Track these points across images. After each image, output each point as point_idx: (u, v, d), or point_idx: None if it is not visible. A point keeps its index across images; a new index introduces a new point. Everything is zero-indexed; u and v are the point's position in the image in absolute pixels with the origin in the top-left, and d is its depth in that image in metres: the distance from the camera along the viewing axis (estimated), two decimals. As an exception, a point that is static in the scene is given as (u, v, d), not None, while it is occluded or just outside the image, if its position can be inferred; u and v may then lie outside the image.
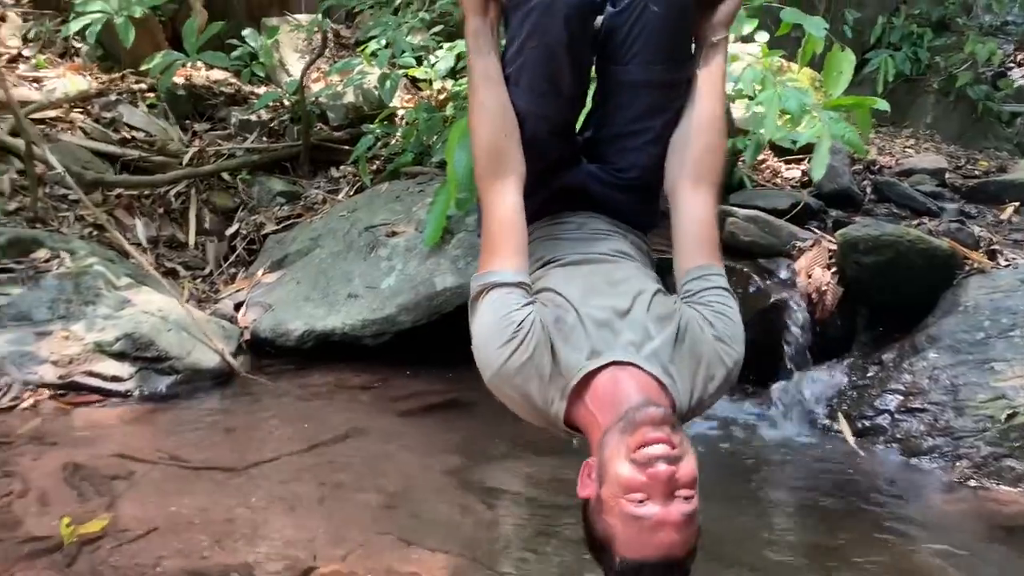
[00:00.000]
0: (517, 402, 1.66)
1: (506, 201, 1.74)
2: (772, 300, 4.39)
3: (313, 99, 6.13)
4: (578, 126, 2.10)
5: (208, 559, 2.70)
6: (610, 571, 1.47)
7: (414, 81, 6.57)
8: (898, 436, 3.85)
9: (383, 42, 5.30)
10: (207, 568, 2.65)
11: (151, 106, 6.01)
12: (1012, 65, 9.47)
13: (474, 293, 1.70)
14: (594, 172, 2.01)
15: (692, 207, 1.82)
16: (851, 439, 3.94)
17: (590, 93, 2.06)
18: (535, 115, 1.83)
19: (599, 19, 1.87)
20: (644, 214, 2.04)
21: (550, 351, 1.59)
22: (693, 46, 1.93)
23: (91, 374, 3.89)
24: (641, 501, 1.39)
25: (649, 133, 1.91)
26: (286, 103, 6.26)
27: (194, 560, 2.69)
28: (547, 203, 1.96)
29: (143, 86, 6.06)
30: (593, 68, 1.98)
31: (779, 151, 6.50)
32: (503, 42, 1.91)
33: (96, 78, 6.07)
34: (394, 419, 3.94)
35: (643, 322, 1.65)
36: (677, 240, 1.83)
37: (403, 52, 5.33)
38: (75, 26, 5.06)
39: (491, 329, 1.62)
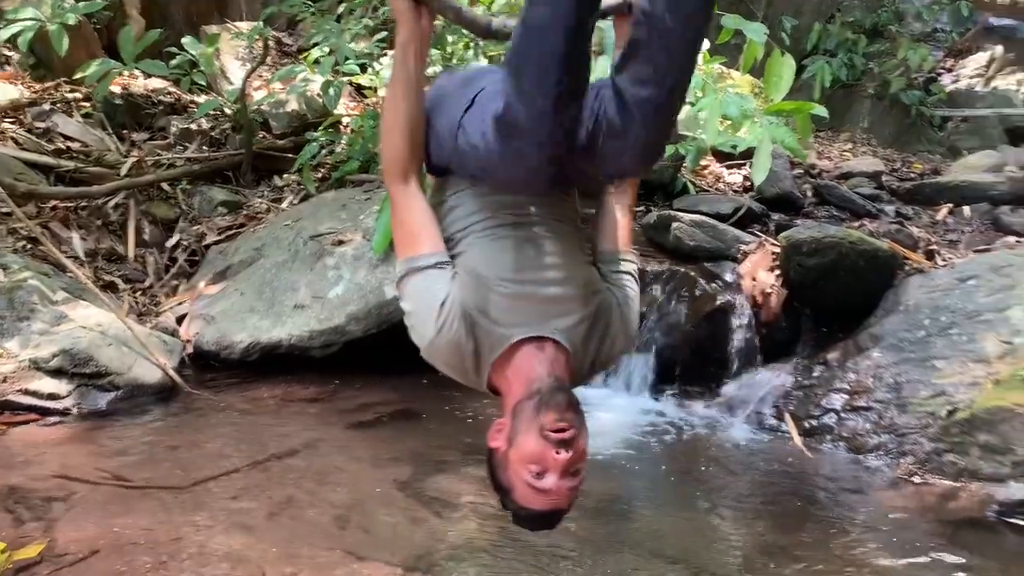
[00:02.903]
0: (448, 370, 1.88)
1: (415, 193, 1.90)
2: (718, 303, 4.44)
3: (255, 107, 6.05)
4: None
5: (153, 581, 2.63)
6: (508, 509, 1.79)
7: (359, 88, 6.51)
8: (844, 435, 3.93)
9: (326, 49, 5.24)
10: (152, 590, 2.58)
11: (87, 116, 5.87)
12: (942, 71, 9.75)
13: (399, 276, 1.89)
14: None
15: (614, 205, 2.07)
16: (798, 439, 4.00)
17: None
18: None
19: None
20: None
21: (471, 331, 1.79)
22: None
23: (27, 392, 3.77)
24: (539, 474, 1.68)
25: None
26: (227, 111, 6.16)
27: (138, 582, 2.62)
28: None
29: (78, 95, 5.91)
30: None
31: (721, 156, 6.60)
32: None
33: (29, 87, 5.90)
34: (343, 431, 3.89)
35: (564, 297, 1.84)
36: (601, 228, 2.07)
37: (347, 59, 5.27)
38: (5, 34, 4.90)
39: (419, 314, 1.83)
